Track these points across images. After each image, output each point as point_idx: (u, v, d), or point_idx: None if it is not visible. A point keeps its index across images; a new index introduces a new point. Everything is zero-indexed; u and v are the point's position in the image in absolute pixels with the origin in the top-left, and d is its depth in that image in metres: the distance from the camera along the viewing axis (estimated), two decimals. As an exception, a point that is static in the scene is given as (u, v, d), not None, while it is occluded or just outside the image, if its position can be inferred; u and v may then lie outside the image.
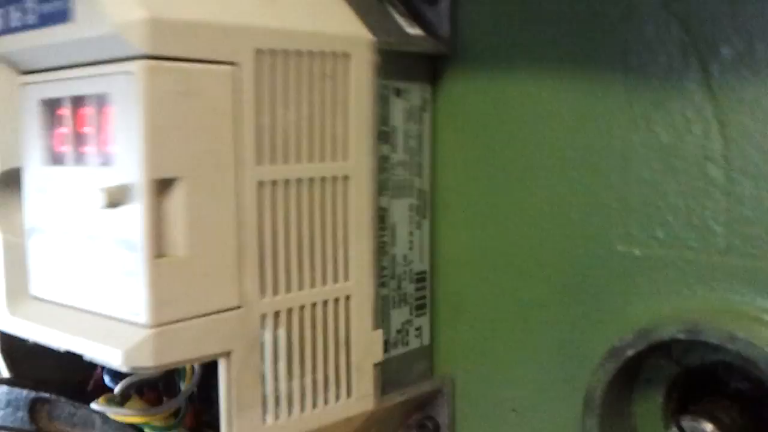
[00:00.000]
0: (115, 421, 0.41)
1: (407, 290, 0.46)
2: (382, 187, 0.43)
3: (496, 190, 0.45)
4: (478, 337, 0.46)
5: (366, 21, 0.41)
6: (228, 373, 0.36)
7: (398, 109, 0.44)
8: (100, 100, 0.35)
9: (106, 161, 0.35)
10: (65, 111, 0.36)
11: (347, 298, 0.41)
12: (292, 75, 0.38)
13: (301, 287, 0.39)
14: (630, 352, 0.37)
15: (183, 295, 0.34)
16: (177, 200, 0.34)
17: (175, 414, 0.40)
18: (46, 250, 0.38)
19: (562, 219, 0.42)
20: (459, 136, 0.46)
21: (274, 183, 0.37)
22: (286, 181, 0.38)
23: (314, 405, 0.40)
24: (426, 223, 0.47)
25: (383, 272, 0.44)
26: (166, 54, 0.33)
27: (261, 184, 0.37)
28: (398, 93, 0.44)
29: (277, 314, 0.38)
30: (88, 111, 0.35)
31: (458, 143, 0.46)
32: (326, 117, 0.39)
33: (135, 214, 0.33)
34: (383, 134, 0.43)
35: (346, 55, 0.40)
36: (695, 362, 0.39)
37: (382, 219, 0.44)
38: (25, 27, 0.36)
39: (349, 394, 0.41)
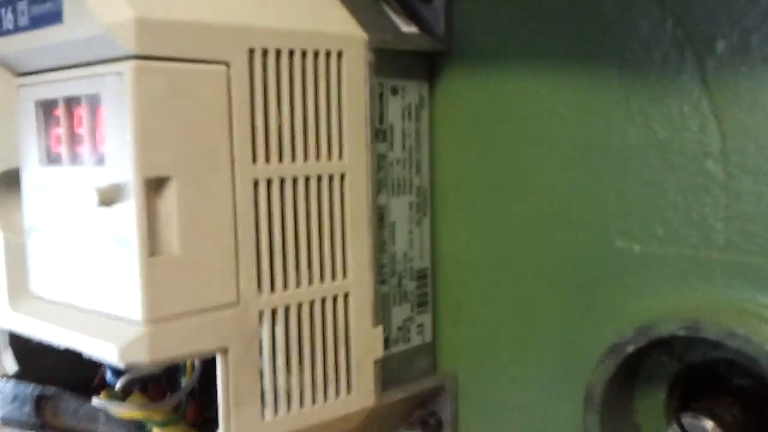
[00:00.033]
0: (118, 417, 0.41)
1: (408, 287, 0.46)
2: (380, 185, 0.43)
3: (495, 187, 0.45)
4: (479, 334, 0.46)
5: (360, 19, 0.41)
6: (225, 370, 0.36)
7: (395, 107, 0.44)
8: (93, 101, 0.35)
9: (99, 161, 0.35)
10: (60, 112, 0.37)
11: (346, 295, 0.41)
12: (285, 74, 0.38)
13: (298, 285, 0.39)
14: (630, 349, 0.37)
15: (178, 292, 0.34)
16: (170, 199, 0.34)
17: (176, 409, 0.40)
18: (45, 249, 0.39)
19: (562, 216, 0.42)
20: (457, 133, 0.46)
21: (269, 181, 0.37)
22: (282, 180, 0.38)
23: (314, 401, 0.40)
24: (426, 221, 0.47)
25: (383, 270, 0.44)
26: (156, 54, 0.33)
27: (256, 183, 0.37)
28: (394, 91, 0.44)
29: (274, 311, 0.38)
30: (82, 111, 0.36)
31: (457, 140, 0.46)
32: (321, 116, 0.39)
33: (128, 213, 0.34)
34: (380, 132, 0.43)
35: (339, 54, 0.40)
36: (696, 359, 0.38)
37: (381, 217, 0.44)
38: (18, 29, 0.37)
39: (349, 390, 0.41)
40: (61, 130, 0.37)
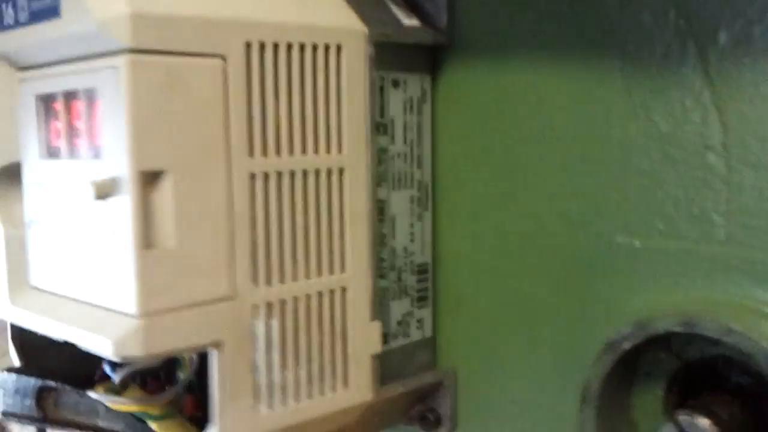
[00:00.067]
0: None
1: (408, 282, 0.45)
2: (380, 178, 0.43)
3: (496, 181, 0.44)
4: (479, 329, 0.45)
5: (360, 12, 0.41)
6: (219, 363, 0.36)
7: (396, 100, 0.44)
8: (90, 95, 0.35)
9: (96, 154, 0.35)
10: (59, 106, 0.37)
11: (343, 289, 0.41)
12: (282, 67, 0.38)
13: (295, 279, 0.39)
14: (627, 345, 0.37)
15: (172, 285, 0.34)
16: (165, 192, 0.34)
17: (173, 403, 0.40)
18: (44, 242, 0.39)
19: (562, 210, 0.42)
20: (460, 127, 0.46)
21: (266, 175, 0.37)
22: (279, 173, 0.38)
23: (310, 395, 0.40)
24: (428, 215, 0.46)
25: (382, 264, 0.44)
26: (151, 48, 0.33)
27: (253, 176, 0.37)
28: (396, 84, 0.44)
29: (270, 305, 0.38)
30: (80, 105, 0.36)
31: (459, 134, 0.46)
32: (319, 109, 0.39)
33: (123, 206, 0.34)
34: (380, 126, 0.43)
35: (339, 47, 0.40)
36: (695, 356, 0.38)
37: (381, 211, 0.43)
38: (17, 24, 0.37)
39: (346, 385, 0.41)
40: (59, 124, 0.37)
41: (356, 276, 0.41)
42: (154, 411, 0.40)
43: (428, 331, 0.47)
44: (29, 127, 0.39)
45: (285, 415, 0.39)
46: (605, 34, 0.40)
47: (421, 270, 0.46)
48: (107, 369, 0.41)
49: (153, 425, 0.40)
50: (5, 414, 0.45)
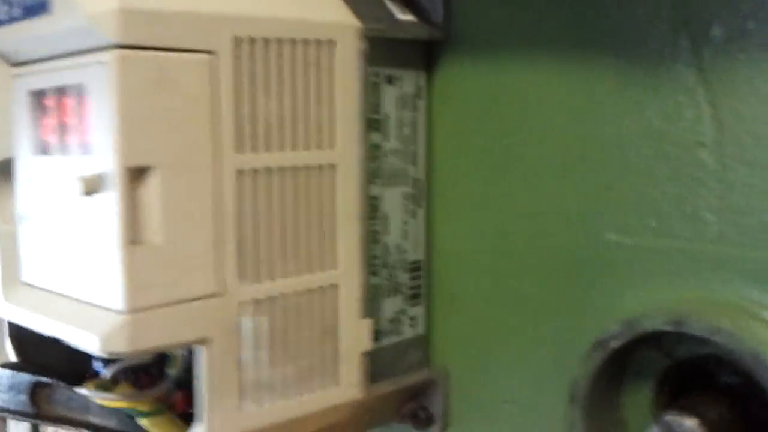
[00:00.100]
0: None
1: (401, 279, 0.45)
2: (373, 175, 0.43)
3: (491, 178, 0.44)
4: (472, 327, 0.45)
5: (353, 7, 0.41)
6: (207, 360, 0.36)
7: (390, 96, 0.44)
8: (79, 91, 0.35)
9: (85, 150, 0.35)
10: (50, 102, 0.37)
11: (334, 286, 0.41)
12: (273, 63, 0.38)
13: (284, 276, 0.39)
14: (615, 344, 0.36)
15: (159, 281, 0.34)
16: (153, 188, 0.34)
17: (162, 400, 0.40)
18: (35, 238, 0.39)
19: (556, 208, 0.42)
20: (455, 123, 0.46)
21: (255, 171, 0.37)
22: (268, 170, 0.38)
23: (299, 393, 0.40)
24: (421, 212, 0.46)
25: (374, 261, 0.43)
26: (140, 43, 0.33)
27: (241, 173, 0.37)
28: (390, 80, 0.44)
29: (258, 302, 0.38)
30: (70, 101, 0.36)
31: (454, 131, 0.46)
32: (311, 105, 0.39)
33: (110, 202, 0.34)
34: (374, 122, 0.43)
35: (331, 43, 0.40)
36: (685, 355, 0.37)
37: (374, 208, 0.43)
38: (11, 20, 0.37)
39: (336, 382, 0.41)
40: (51, 120, 0.37)
41: (347, 273, 0.41)
42: (144, 407, 0.40)
43: (421, 329, 0.47)
44: (21, 122, 0.39)
45: (273, 412, 0.39)
46: (600, 30, 0.39)
47: (415, 267, 0.46)
48: (98, 365, 0.41)
49: (143, 422, 0.40)
50: (0, 410, 0.45)
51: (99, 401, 0.40)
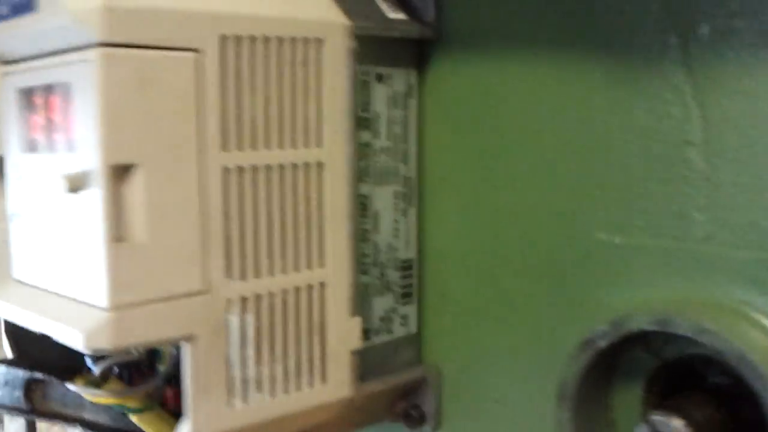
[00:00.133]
0: (103, 402, 0.42)
1: (391, 278, 0.45)
2: (362, 174, 0.43)
3: (482, 177, 0.44)
4: (463, 326, 0.45)
5: (343, 6, 0.41)
6: (193, 357, 0.36)
7: (380, 94, 0.44)
8: (66, 89, 0.35)
9: (71, 148, 0.35)
10: (38, 100, 0.37)
11: (322, 284, 0.41)
12: (260, 61, 0.38)
13: (271, 273, 0.39)
14: (602, 343, 0.36)
15: (143, 278, 0.35)
16: (137, 186, 0.34)
17: (152, 396, 0.40)
18: (25, 235, 0.39)
19: (545, 207, 0.41)
20: (446, 122, 0.45)
21: (241, 169, 0.37)
22: (255, 168, 0.38)
23: (286, 390, 0.40)
24: (413, 211, 0.46)
25: (364, 259, 0.43)
26: (124, 41, 0.34)
27: (227, 171, 0.37)
28: (380, 78, 0.44)
29: (244, 300, 0.38)
30: (57, 99, 0.36)
31: (445, 129, 0.45)
32: (298, 104, 0.39)
33: (94, 199, 0.34)
34: (363, 121, 0.43)
35: (319, 41, 0.40)
36: (674, 355, 0.37)
37: (363, 206, 0.43)
38: (0, 18, 0.37)
39: (324, 380, 0.41)
40: (39, 118, 0.38)
41: (336, 271, 0.41)
42: (133, 404, 0.40)
43: (413, 328, 0.47)
44: (11, 121, 0.39)
45: (260, 409, 0.39)
46: (590, 29, 0.39)
47: (406, 266, 0.46)
48: (89, 361, 0.42)
49: (133, 418, 0.41)
50: (-6, 405, 0.46)
51: (88, 397, 0.40)
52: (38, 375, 0.46)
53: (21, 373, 0.46)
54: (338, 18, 0.41)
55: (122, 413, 0.42)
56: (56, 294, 0.37)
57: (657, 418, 0.34)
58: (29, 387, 0.46)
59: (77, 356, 0.46)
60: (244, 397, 0.38)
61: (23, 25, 0.36)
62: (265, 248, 0.38)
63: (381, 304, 0.45)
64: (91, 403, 0.44)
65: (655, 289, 0.37)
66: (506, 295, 0.43)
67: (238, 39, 0.37)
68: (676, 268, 0.37)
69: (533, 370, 0.42)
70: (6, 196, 0.40)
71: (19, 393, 0.46)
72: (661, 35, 0.37)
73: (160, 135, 0.35)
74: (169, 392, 0.41)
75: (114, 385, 0.40)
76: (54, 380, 0.45)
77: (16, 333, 0.49)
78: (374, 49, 0.43)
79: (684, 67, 0.36)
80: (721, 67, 0.35)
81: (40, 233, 0.38)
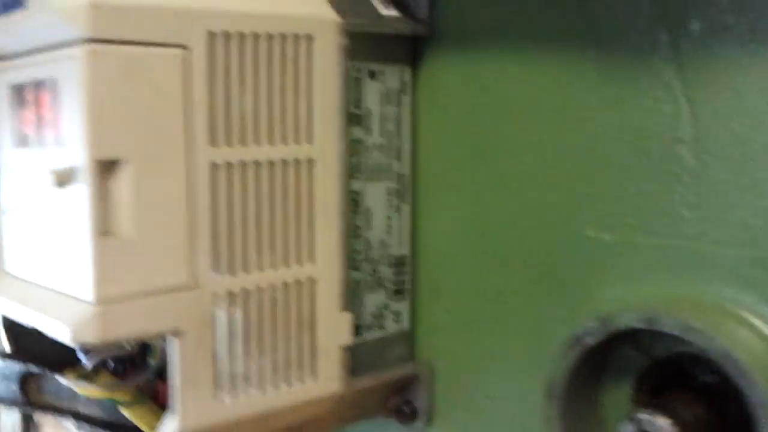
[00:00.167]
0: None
1: (384, 274, 0.45)
2: (354, 170, 0.43)
3: (475, 174, 0.44)
4: (455, 323, 0.45)
5: (334, 2, 0.41)
6: (180, 351, 0.36)
7: (373, 91, 0.44)
8: (54, 85, 0.36)
9: (59, 143, 0.36)
10: (29, 95, 0.38)
11: (312, 280, 0.41)
12: (249, 58, 0.38)
13: (260, 269, 0.39)
14: (590, 341, 0.36)
15: (129, 273, 0.35)
16: (124, 181, 0.34)
17: (143, 389, 0.41)
18: (16, 229, 0.40)
19: (537, 204, 0.41)
20: (440, 119, 0.45)
21: (229, 165, 0.37)
22: (243, 163, 0.38)
23: (276, 386, 0.40)
24: (406, 208, 0.46)
25: (356, 256, 0.43)
26: (110, 37, 0.34)
27: (215, 166, 0.37)
28: (373, 75, 0.44)
29: (232, 294, 0.38)
30: (46, 95, 0.36)
31: (439, 126, 0.45)
32: (288, 100, 0.39)
33: (81, 194, 0.34)
34: (355, 117, 0.43)
35: (309, 38, 0.40)
36: (663, 353, 0.37)
37: (355, 203, 0.43)
38: (-9, 15, 0.38)
39: (314, 376, 0.41)
40: (29, 114, 0.38)
41: (326, 267, 0.41)
42: (123, 397, 0.40)
43: (406, 324, 0.46)
44: (4, 116, 0.40)
45: (249, 404, 0.39)
46: (581, 25, 0.39)
47: (399, 263, 0.46)
48: (80, 354, 0.42)
49: (124, 412, 0.41)
50: (-9, 398, 0.46)
51: (78, 390, 0.40)
52: (33, 368, 0.46)
53: (17, 367, 0.47)
54: (329, 15, 0.41)
55: (114, 407, 0.42)
56: (45, 288, 0.38)
57: (642, 416, 0.34)
58: (25, 380, 0.47)
59: (72, 350, 0.47)
60: (232, 392, 0.38)
61: (12, 21, 0.36)
62: (254, 244, 0.38)
63: (373, 300, 0.45)
64: (86, 396, 0.44)
65: (646, 287, 0.37)
66: (498, 293, 0.43)
67: (227, 35, 0.37)
68: (666, 265, 0.37)
69: (525, 366, 0.42)
70: (-1, 191, 0.41)
71: (14, 386, 0.47)
72: (651, 31, 0.36)
73: (147, 131, 0.35)
74: (160, 386, 0.41)
75: (105, 378, 0.41)
76: (49, 374, 0.46)
77: (14, 327, 0.49)
78: (366, 46, 0.43)
79: (674, 64, 0.36)
80: (711, 63, 0.35)
81: (30, 227, 0.39)
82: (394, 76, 0.45)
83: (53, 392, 0.46)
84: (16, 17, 0.36)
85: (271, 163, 0.39)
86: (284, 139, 0.39)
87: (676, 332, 0.33)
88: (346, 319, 0.42)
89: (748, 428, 0.34)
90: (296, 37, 0.39)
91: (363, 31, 0.42)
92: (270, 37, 0.38)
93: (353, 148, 0.43)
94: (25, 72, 0.38)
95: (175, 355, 0.36)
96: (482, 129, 0.43)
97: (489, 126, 0.43)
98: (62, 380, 0.40)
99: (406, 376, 0.46)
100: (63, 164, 0.35)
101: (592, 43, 0.39)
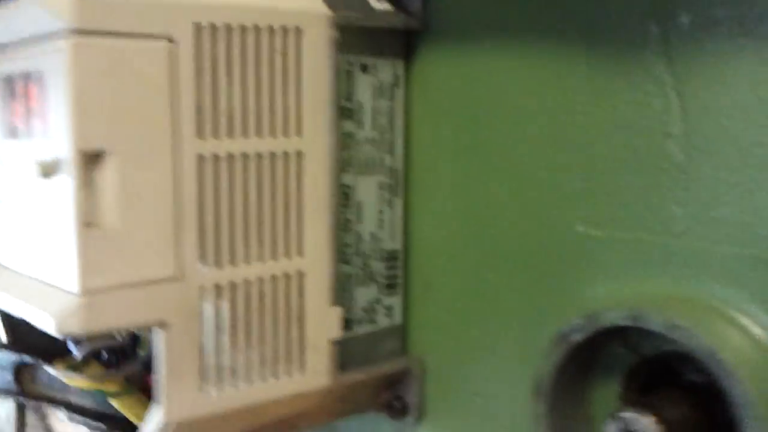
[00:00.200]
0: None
1: (375, 269, 0.45)
2: (345, 164, 0.43)
3: (466, 168, 0.43)
4: (447, 318, 0.45)
5: (327, -5, 0.41)
6: (165, 343, 0.37)
7: (365, 85, 0.44)
8: (41, 76, 0.36)
9: (45, 134, 0.36)
10: (18, 87, 0.38)
11: (301, 273, 0.41)
12: (237, 50, 0.38)
13: (248, 262, 0.39)
14: (576, 337, 0.36)
15: (114, 264, 0.35)
16: (109, 172, 0.35)
17: (131, 380, 0.41)
18: (5, 220, 0.40)
19: (528, 199, 0.41)
20: (433, 113, 0.45)
21: (216, 157, 0.37)
22: (231, 156, 0.38)
23: (263, 379, 0.40)
24: (398, 202, 0.46)
25: (346, 250, 0.43)
26: (95, 29, 0.34)
27: (201, 158, 0.37)
28: (365, 69, 0.44)
29: (220, 287, 0.38)
30: (34, 87, 0.36)
31: (432, 120, 0.45)
32: (277, 93, 0.39)
33: (66, 185, 0.34)
34: (346, 111, 0.43)
35: (298, 30, 0.40)
36: (651, 351, 0.36)
37: (346, 196, 0.43)
38: (-18, 6, 0.38)
39: (302, 369, 0.41)
40: (19, 105, 0.38)
41: (315, 261, 0.41)
42: (112, 388, 0.40)
43: (398, 319, 0.46)
44: (-4, 108, 0.40)
45: (236, 396, 0.39)
46: (573, 19, 0.38)
47: (391, 257, 0.46)
48: (70, 345, 0.42)
49: (112, 402, 0.41)
50: (-15, 388, 0.47)
51: (66, 381, 0.40)
52: (27, 358, 0.46)
53: (11, 357, 0.47)
54: (319, 7, 0.40)
55: (104, 398, 0.43)
56: (32, 278, 0.38)
57: (626, 415, 0.33)
58: (19, 370, 0.47)
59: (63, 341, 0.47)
60: (219, 384, 0.38)
61: (2, 14, 0.36)
62: (242, 236, 0.38)
63: (364, 294, 0.44)
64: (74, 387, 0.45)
65: (635, 284, 0.37)
66: (490, 288, 0.43)
67: (214, 28, 0.37)
68: (655, 262, 0.36)
69: (516, 362, 0.42)
70: (-10, 182, 0.41)
71: (9, 376, 0.47)
72: (642, 24, 0.36)
73: (132, 123, 0.35)
74: (150, 377, 0.42)
75: (94, 369, 0.41)
76: (42, 364, 0.46)
77: (10, 317, 0.50)
78: (358, 40, 0.43)
79: (665, 58, 0.35)
80: (701, 57, 0.34)
81: (18, 218, 0.39)
82: (386, 69, 0.45)
83: (46, 382, 0.46)
84: (6, 9, 0.36)
85: (260, 156, 0.39)
86: (273, 132, 0.39)
87: (661, 330, 0.33)
88: (335, 313, 0.42)
89: (733, 428, 0.33)
90: (285, 29, 0.39)
91: (354, 24, 0.42)
92: (258, 29, 0.38)
93: (344, 142, 0.43)
94: (15, 64, 0.38)
95: (161, 347, 0.37)
96: (475, 123, 0.43)
97: (481, 120, 0.43)
98: (50, 370, 0.41)
99: (397, 371, 0.45)
100: (49, 155, 0.35)
101: (583, 36, 0.38)
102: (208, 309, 0.38)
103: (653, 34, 0.36)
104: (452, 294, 0.44)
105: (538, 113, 0.40)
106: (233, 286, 0.38)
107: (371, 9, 0.43)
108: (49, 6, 0.33)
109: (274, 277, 0.40)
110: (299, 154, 0.40)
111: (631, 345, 0.37)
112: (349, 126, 0.43)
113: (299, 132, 0.40)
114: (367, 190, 0.44)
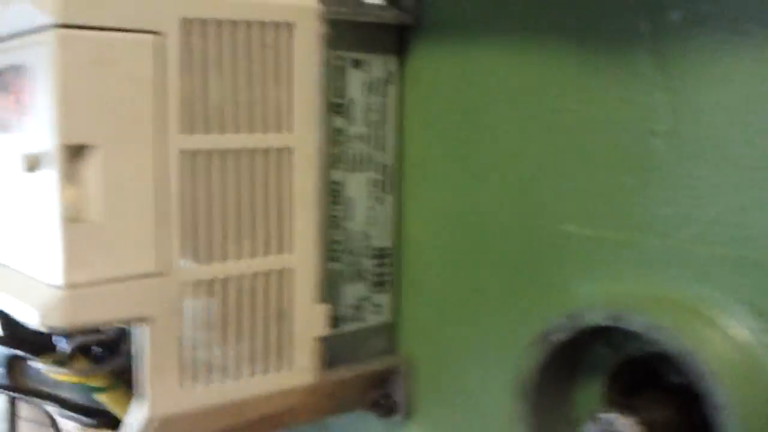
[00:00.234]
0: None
1: (365, 266, 0.45)
2: (335, 160, 0.43)
3: (458, 166, 0.43)
4: (436, 316, 0.45)
5: (316, -10, 0.41)
6: (149, 338, 0.37)
7: (356, 80, 0.43)
8: (28, 70, 0.36)
9: (33, 128, 0.36)
10: (7, 80, 0.38)
11: (288, 270, 0.41)
12: (226, 45, 0.38)
13: (234, 257, 0.39)
14: (558, 337, 0.35)
15: (98, 258, 0.35)
16: (93, 166, 0.35)
17: (117, 375, 0.41)
18: (-6, 214, 0.40)
19: (517, 196, 0.41)
20: (425, 109, 0.45)
21: (204, 152, 0.37)
22: (219, 151, 0.38)
23: (249, 374, 0.40)
24: (389, 199, 0.46)
25: (335, 246, 0.43)
26: (81, 23, 0.34)
27: (186, 153, 0.37)
28: (356, 64, 0.43)
29: (204, 283, 0.38)
30: (22, 80, 0.37)
31: (425, 117, 0.45)
32: (266, 88, 0.39)
33: (50, 179, 0.34)
34: (337, 106, 0.43)
35: (289, 25, 0.39)
36: (635, 352, 0.36)
37: (335, 193, 0.43)
38: (-28, 0, 0.38)
39: (289, 366, 0.41)
40: (7, 99, 0.38)
41: (303, 258, 0.41)
42: (97, 382, 0.40)
43: (387, 316, 0.46)
44: (-14, 101, 0.40)
45: (220, 392, 0.39)
46: (563, 15, 0.38)
47: (381, 254, 0.45)
48: (56, 339, 0.42)
49: (99, 398, 0.41)
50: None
51: (51, 375, 0.40)
52: (19, 352, 0.47)
53: (3, 351, 0.47)
54: (310, 2, 0.40)
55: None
56: (16, 271, 0.38)
57: (604, 416, 0.33)
58: (11, 364, 0.47)
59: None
60: (204, 380, 0.38)
61: (-9, 6, 0.37)
62: (229, 232, 0.38)
63: (353, 291, 0.44)
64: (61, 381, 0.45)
65: (619, 283, 0.36)
66: (478, 286, 0.43)
67: (203, 22, 0.37)
68: (639, 262, 0.36)
69: (503, 361, 0.42)
70: (-20, 175, 0.41)
71: (1, 370, 0.47)
72: (633, 21, 0.36)
73: (117, 117, 0.35)
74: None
75: (80, 363, 0.41)
76: (32, 358, 0.46)
77: (4, 311, 0.50)
78: (350, 35, 0.43)
79: (655, 55, 0.35)
80: (691, 55, 0.34)
81: (5, 212, 0.39)
82: (379, 65, 0.44)
83: (36, 377, 0.46)
84: (-6, 3, 0.36)
85: (249, 151, 0.39)
86: (262, 128, 0.39)
87: (642, 330, 0.32)
88: (322, 310, 0.42)
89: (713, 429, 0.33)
90: (275, 24, 0.39)
91: (346, 19, 0.42)
92: (248, 24, 0.38)
93: (334, 138, 0.43)
94: (4, 57, 0.38)
95: (144, 342, 0.37)
96: (466, 120, 0.43)
97: (472, 117, 0.43)
98: (38, 364, 0.41)
99: (385, 369, 0.45)
100: (35, 149, 0.35)
101: (574, 33, 0.38)
102: (192, 305, 0.37)
103: (644, 31, 0.35)
104: (441, 292, 0.44)
105: (529, 110, 0.40)
106: (218, 282, 0.38)
107: (363, 4, 0.43)
108: (37, 2, 0.33)
109: (260, 274, 0.40)
110: (289, 150, 0.40)
111: (615, 345, 0.37)
112: (339, 122, 0.43)
113: (289, 128, 0.40)
114: (358, 186, 0.44)
